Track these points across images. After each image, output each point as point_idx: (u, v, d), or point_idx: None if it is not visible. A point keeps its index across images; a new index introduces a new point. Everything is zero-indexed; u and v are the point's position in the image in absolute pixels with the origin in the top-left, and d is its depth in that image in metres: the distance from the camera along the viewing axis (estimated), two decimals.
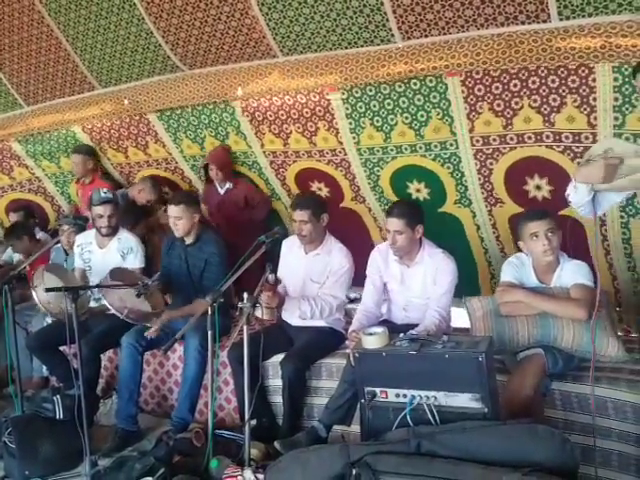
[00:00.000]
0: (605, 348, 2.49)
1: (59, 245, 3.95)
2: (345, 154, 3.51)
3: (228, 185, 3.92)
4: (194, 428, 2.97)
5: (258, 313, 2.71)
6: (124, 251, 3.46)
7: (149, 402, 3.50)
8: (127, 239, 3.49)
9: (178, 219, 3.21)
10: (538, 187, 3.11)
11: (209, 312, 2.58)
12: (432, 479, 1.99)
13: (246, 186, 3.95)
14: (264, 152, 3.75)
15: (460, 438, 2.11)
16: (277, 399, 3.04)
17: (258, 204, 3.93)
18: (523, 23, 2.64)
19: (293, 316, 3.10)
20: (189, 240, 3.31)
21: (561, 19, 2.57)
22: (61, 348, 3.27)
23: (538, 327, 2.55)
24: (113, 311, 3.01)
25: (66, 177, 4.61)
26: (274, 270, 2.82)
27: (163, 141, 4.03)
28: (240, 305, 2.58)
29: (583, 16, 2.53)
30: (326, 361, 3.00)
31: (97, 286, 3.12)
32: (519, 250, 2.75)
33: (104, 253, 3.50)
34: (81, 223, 3.67)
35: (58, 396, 3.01)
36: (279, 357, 2.97)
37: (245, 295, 2.55)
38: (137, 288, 2.99)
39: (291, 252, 3.21)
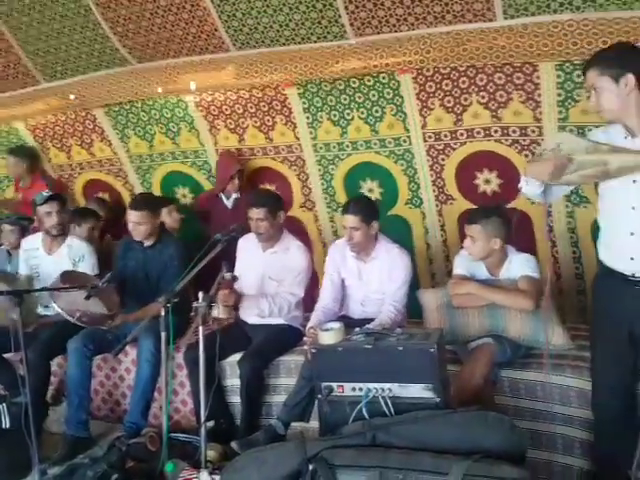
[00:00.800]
0: (551, 337, 2.58)
1: (2, 247, 3.80)
2: (301, 150, 3.51)
3: (235, 195, 3.68)
4: (148, 432, 2.90)
5: (215, 312, 2.68)
6: (75, 259, 3.34)
7: (101, 408, 3.41)
8: (78, 246, 3.38)
9: (137, 224, 3.13)
10: (487, 181, 3.21)
11: (162, 313, 2.54)
12: (387, 470, 2.02)
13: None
14: (217, 150, 3.70)
15: (413, 428, 2.15)
16: (235, 399, 3.02)
17: None
18: (470, 21, 2.73)
19: (251, 314, 3.08)
20: (148, 243, 3.23)
21: (506, 18, 2.67)
22: (6, 355, 3.13)
23: (488, 318, 2.64)
24: (63, 315, 2.91)
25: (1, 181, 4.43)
26: (231, 268, 2.79)
27: (109, 139, 3.92)
28: (195, 305, 2.54)
29: (527, 15, 2.63)
30: (284, 358, 3.00)
31: (43, 289, 3.01)
32: None
33: (54, 260, 3.35)
34: (24, 223, 3.53)
35: (4, 404, 2.90)
36: (237, 356, 2.95)
37: (200, 294, 2.51)
38: (86, 290, 2.90)
39: (248, 250, 3.18)
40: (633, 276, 1.98)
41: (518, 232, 2.80)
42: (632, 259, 1.96)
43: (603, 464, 2.29)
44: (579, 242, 3.18)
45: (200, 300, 2.47)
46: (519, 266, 2.66)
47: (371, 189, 3.50)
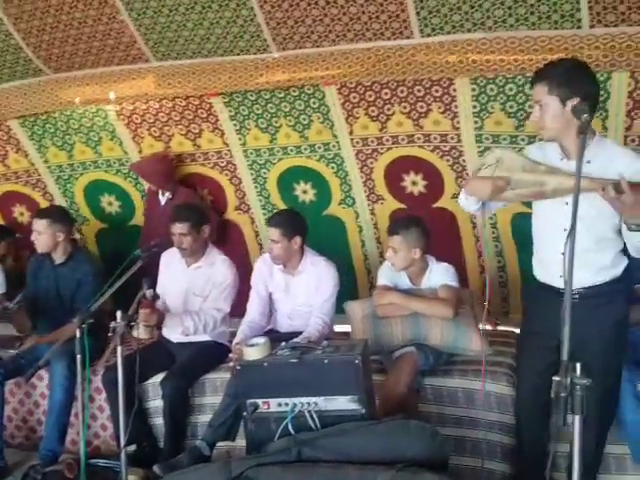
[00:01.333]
0: (469, 343, 2.66)
1: None
2: (231, 156, 3.50)
3: (168, 195, 3.61)
4: (65, 459, 2.79)
5: (136, 333, 2.58)
6: None
7: (16, 435, 3.22)
8: None
9: (38, 233, 2.99)
10: (414, 182, 3.33)
11: (77, 335, 2.42)
12: None
13: (186, 195, 3.59)
14: (143, 158, 3.62)
15: (339, 441, 2.16)
16: (159, 421, 2.91)
17: None
18: (389, 39, 2.81)
19: (175, 332, 2.99)
20: (59, 260, 3.10)
21: (423, 36, 2.77)
22: None
23: (411, 327, 2.69)
24: None
25: None
26: (152, 285, 2.70)
27: (25, 150, 3.75)
28: (113, 325, 2.44)
29: (442, 34, 2.75)
30: (210, 376, 2.93)
31: None
32: None
33: None
34: None
35: None
36: (160, 377, 2.85)
37: (118, 313, 2.42)
38: None
39: (171, 265, 3.10)
40: (561, 290, 2.00)
41: (442, 231, 2.97)
42: (561, 276, 2.01)
43: (525, 468, 2.36)
44: (503, 250, 3.33)
45: (118, 319, 2.38)
46: (439, 275, 2.74)
47: (305, 190, 3.54)
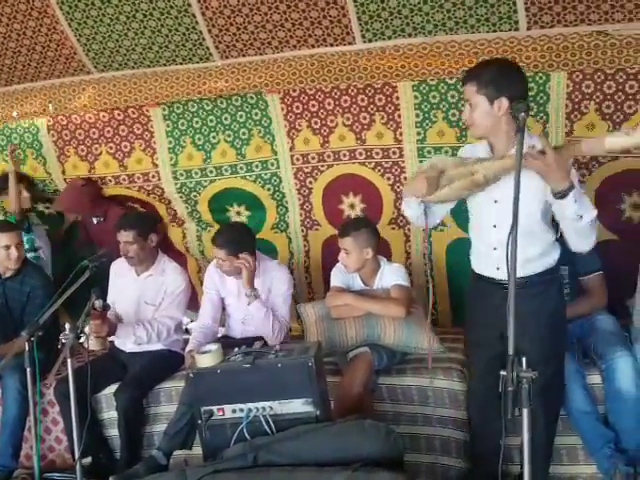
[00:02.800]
0: (421, 341, 2.71)
1: None
2: (159, 179, 3.39)
3: (95, 220, 3.52)
4: (20, 475, 2.76)
5: (86, 344, 2.55)
6: None
7: None
8: None
9: None
10: (352, 205, 3.30)
11: (26, 348, 2.37)
12: None
13: (117, 214, 3.39)
14: (65, 180, 3.52)
15: (294, 444, 2.17)
16: (114, 432, 2.87)
17: None
18: (332, 45, 2.83)
19: (127, 342, 2.96)
20: (7, 273, 3.03)
21: (364, 42, 2.80)
22: None
23: (365, 327, 2.72)
24: None
25: None
26: (101, 295, 2.67)
27: None
28: (61, 337, 2.40)
29: (384, 39, 2.78)
30: (165, 385, 2.90)
31: None
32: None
33: None
34: None
35: None
36: (113, 387, 2.82)
37: (67, 325, 2.38)
38: None
39: (121, 275, 3.07)
40: (498, 280, 2.10)
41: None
42: (498, 269, 2.10)
43: (479, 462, 2.41)
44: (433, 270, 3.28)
45: (67, 331, 2.35)
46: (390, 275, 2.78)
47: (239, 212, 3.46)
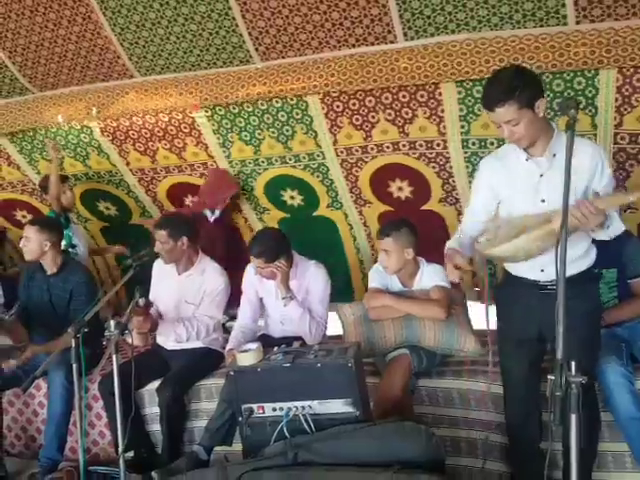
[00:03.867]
0: (463, 344, 2.67)
1: None
2: (217, 167, 3.52)
3: (217, 213, 3.55)
4: (65, 467, 2.81)
5: (130, 340, 2.60)
6: None
7: (15, 445, 3.24)
8: None
9: (27, 240, 3.04)
10: (400, 188, 3.34)
11: (73, 344, 2.44)
12: None
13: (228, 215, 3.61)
14: (131, 170, 3.66)
15: (334, 444, 2.17)
16: (156, 427, 2.93)
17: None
18: (372, 44, 2.81)
19: (168, 340, 3.00)
20: (51, 270, 3.11)
21: (407, 39, 2.77)
22: None
23: (404, 328, 2.69)
24: None
25: None
26: (145, 293, 2.72)
27: (17, 163, 3.81)
28: (107, 333, 2.46)
29: (426, 36, 2.74)
30: (205, 382, 2.94)
31: None
32: None
33: None
34: None
35: None
36: (156, 384, 2.87)
37: (112, 322, 2.43)
38: None
39: (163, 273, 3.10)
40: (539, 282, 2.09)
41: (432, 231, 2.97)
42: (542, 271, 2.07)
43: (521, 467, 2.37)
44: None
45: (112, 328, 2.40)
46: (430, 276, 2.74)
47: (292, 196, 3.56)
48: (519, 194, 2.06)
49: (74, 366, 2.47)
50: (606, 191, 1.94)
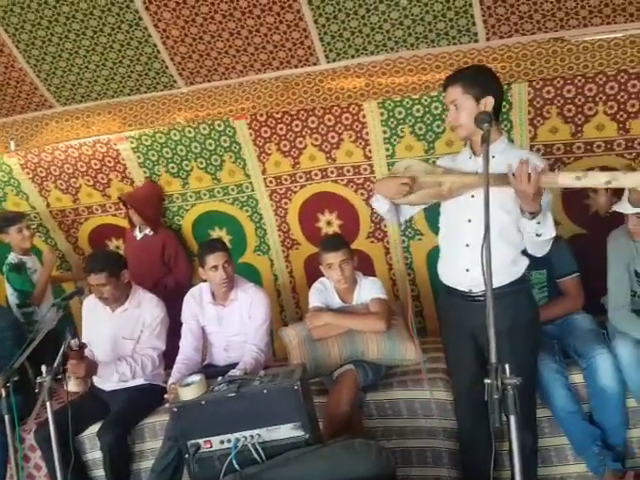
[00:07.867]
0: (404, 353, 2.71)
1: None
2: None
3: (147, 231, 3.41)
4: None
5: (65, 386, 2.47)
6: None
7: None
8: None
9: None
10: (329, 223, 3.32)
11: (2, 394, 2.29)
12: None
13: (167, 235, 3.42)
14: (51, 212, 3.48)
15: (285, 471, 2.13)
16: (100, 472, 2.78)
17: (175, 263, 3.45)
18: (296, 67, 2.86)
19: (110, 382, 2.84)
20: None
21: (328, 61, 2.84)
22: None
23: (347, 344, 2.71)
24: None
25: None
26: (76, 334, 2.60)
27: None
28: (39, 380, 2.33)
29: (347, 58, 2.82)
30: (148, 421, 2.83)
31: None
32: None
33: None
34: None
35: None
36: (96, 427, 2.73)
37: (43, 367, 2.31)
38: None
39: (95, 312, 2.96)
40: (470, 292, 2.12)
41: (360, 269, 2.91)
42: (467, 270, 2.10)
43: (470, 470, 2.41)
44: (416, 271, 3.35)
45: (43, 374, 2.28)
46: (368, 290, 2.79)
47: (221, 236, 3.45)
48: None
49: (6, 417, 2.35)
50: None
